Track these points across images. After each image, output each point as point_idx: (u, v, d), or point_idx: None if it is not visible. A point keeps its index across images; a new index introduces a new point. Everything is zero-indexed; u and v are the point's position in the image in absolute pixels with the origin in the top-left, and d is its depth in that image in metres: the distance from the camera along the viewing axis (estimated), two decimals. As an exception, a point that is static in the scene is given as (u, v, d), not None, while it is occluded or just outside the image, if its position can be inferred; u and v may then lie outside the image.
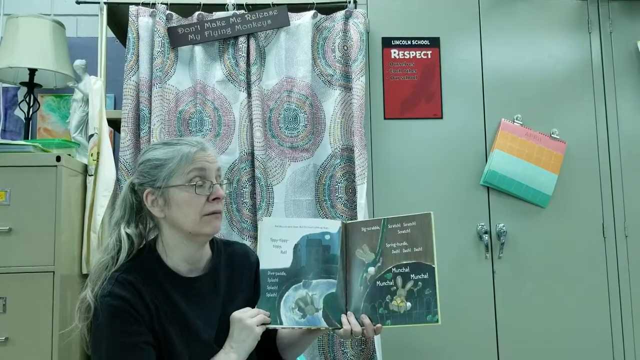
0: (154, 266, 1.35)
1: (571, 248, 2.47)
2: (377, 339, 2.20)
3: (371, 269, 1.47)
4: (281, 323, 1.43)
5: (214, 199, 1.36)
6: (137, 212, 1.40)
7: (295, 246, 1.50)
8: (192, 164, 1.34)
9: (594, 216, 2.50)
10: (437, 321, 1.38)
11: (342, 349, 2.24)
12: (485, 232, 2.44)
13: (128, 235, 1.35)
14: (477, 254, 2.45)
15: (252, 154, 2.32)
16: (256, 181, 2.29)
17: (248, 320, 1.36)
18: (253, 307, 1.45)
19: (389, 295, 1.43)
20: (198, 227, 1.34)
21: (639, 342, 2.43)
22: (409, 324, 1.41)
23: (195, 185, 1.33)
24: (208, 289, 1.41)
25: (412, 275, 1.42)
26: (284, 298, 1.45)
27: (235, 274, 1.48)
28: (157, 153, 1.36)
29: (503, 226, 2.44)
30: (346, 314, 1.44)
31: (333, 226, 1.53)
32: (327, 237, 1.51)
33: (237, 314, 1.38)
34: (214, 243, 1.49)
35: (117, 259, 1.33)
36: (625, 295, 2.45)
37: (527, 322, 2.42)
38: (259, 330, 1.36)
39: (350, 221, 1.59)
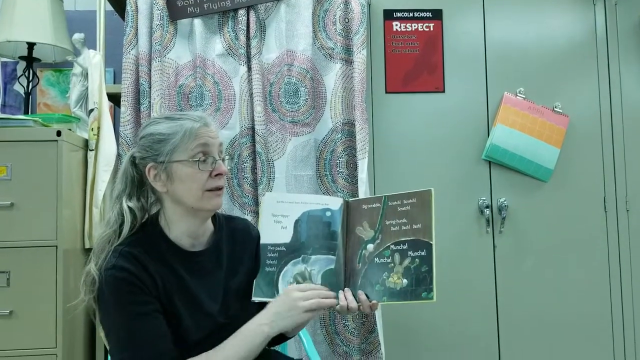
0: (157, 240, 1.36)
1: (572, 222, 2.47)
2: (377, 312, 2.22)
3: (370, 246, 1.46)
4: None
5: (216, 175, 1.36)
6: (138, 185, 1.40)
7: (296, 222, 1.49)
8: (196, 140, 1.34)
9: (595, 190, 2.49)
10: (432, 298, 1.36)
11: (344, 322, 2.26)
12: (487, 207, 2.44)
13: (130, 208, 1.34)
14: (478, 228, 2.46)
15: (252, 128, 2.31)
16: (257, 156, 2.28)
17: (299, 303, 1.30)
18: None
19: (386, 272, 1.41)
20: (200, 203, 1.35)
21: (638, 315, 2.45)
22: (405, 301, 1.39)
23: (198, 161, 1.33)
24: (211, 264, 1.41)
25: (410, 252, 1.40)
26: (282, 272, 1.45)
27: (236, 249, 1.49)
28: (159, 127, 1.36)
29: (504, 200, 2.44)
30: (343, 290, 1.44)
31: (335, 203, 1.52)
32: (328, 213, 1.50)
33: (294, 293, 1.32)
34: (216, 218, 1.49)
35: (120, 233, 1.33)
36: (625, 269, 2.46)
37: (528, 296, 2.44)
38: (306, 316, 1.30)
39: (352, 199, 1.59)
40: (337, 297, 1.42)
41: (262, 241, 1.49)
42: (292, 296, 1.31)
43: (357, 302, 1.41)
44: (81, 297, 1.31)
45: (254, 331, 1.31)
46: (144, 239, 1.34)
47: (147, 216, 1.42)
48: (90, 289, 1.29)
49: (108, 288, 1.25)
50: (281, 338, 1.56)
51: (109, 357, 1.61)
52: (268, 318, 1.31)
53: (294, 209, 1.51)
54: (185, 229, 1.38)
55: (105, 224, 1.36)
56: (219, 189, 1.38)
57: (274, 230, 1.49)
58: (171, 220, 1.37)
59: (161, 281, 1.30)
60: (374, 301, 1.40)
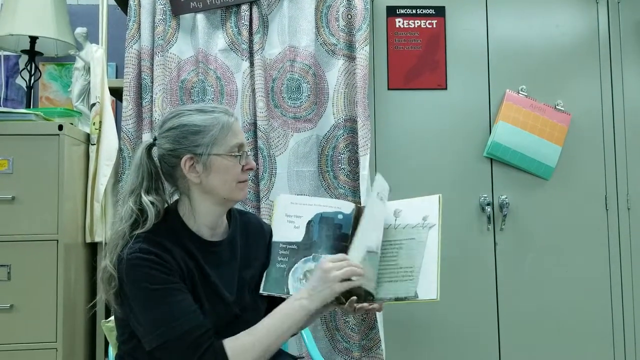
0: (178, 229, 1.37)
1: (573, 220, 2.47)
2: (378, 309, 2.22)
3: None
4: (288, 292, 1.45)
5: (247, 169, 1.41)
6: (155, 178, 1.40)
7: (309, 222, 1.54)
8: (232, 134, 1.38)
9: (596, 188, 2.49)
10: (416, 297, 1.38)
11: (344, 318, 2.26)
12: (488, 204, 2.44)
13: (152, 203, 1.34)
14: (479, 225, 2.46)
15: (254, 124, 2.30)
16: (259, 151, 2.28)
17: (332, 273, 1.32)
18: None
19: None
20: (233, 194, 1.39)
21: (639, 313, 2.45)
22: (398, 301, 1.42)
23: (239, 155, 1.38)
24: (227, 254, 1.44)
25: None
26: (292, 269, 1.49)
27: (250, 243, 1.51)
28: (193, 119, 1.37)
29: (506, 198, 2.44)
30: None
31: (347, 207, 1.55)
32: (340, 216, 1.54)
33: (325, 264, 1.34)
34: (230, 211, 1.52)
35: (136, 228, 1.32)
36: (626, 267, 2.46)
37: (528, 293, 2.44)
38: (339, 287, 1.32)
39: (364, 205, 1.61)
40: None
41: (274, 239, 1.54)
42: (325, 267, 1.33)
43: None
44: (99, 296, 1.31)
45: (294, 306, 1.33)
46: (165, 227, 1.35)
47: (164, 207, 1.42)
48: (108, 286, 1.29)
49: (134, 270, 1.25)
50: None
51: (110, 351, 1.62)
52: (306, 292, 1.33)
53: (307, 210, 1.56)
54: (209, 220, 1.41)
55: (118, 220, 1.35)
56: (246, 180, 1.43)
57: (286, 229, 1.54)
58: (197, 210, 1.39)
59: (185, 267, 1.32)
60: (374, 304, 1.42)
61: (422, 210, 1.49)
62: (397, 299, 1.41)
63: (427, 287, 1.38)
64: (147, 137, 2.24)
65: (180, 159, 1.35)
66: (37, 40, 2.52)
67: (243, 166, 1.40)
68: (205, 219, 1.40)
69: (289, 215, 1.56)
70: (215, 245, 1.41)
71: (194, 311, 1.27)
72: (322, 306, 1.43)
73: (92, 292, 2.23)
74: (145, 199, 1.34)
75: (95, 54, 2.31)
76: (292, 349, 2.13)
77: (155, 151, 1.40)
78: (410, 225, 1.48)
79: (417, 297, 1.39)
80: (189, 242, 1.36)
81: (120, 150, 2.28)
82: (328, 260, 1.35)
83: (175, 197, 1.44)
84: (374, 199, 1.48)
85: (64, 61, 2.80)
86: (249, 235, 1.52)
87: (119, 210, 1.37)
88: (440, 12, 2.51)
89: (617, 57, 2.54)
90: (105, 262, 1.30)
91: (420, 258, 1.43)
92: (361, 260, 1.37)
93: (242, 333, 1.31)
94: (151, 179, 1.38)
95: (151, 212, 1.32)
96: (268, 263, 1.52)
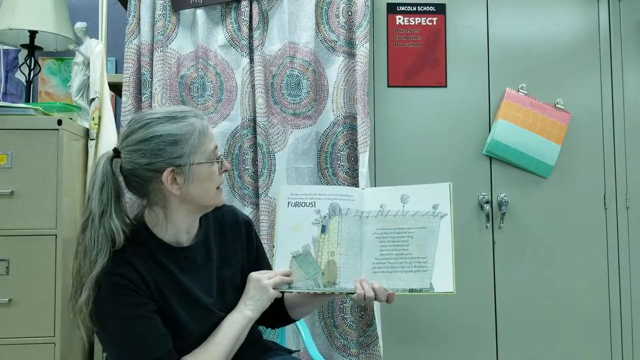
0: (146, 241, 1.33)
1: (572, 219, 2.47)
2: (377, 306, 2.22)
3: None
4: (297, 287, 1.46)
5: (224, 171, 1.39)
6: (120, 195, 1.30)
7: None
8: (210, 140, 1.34)
9: (595, 187, 2.49)
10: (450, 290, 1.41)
11: (342, 315, 2.26)
12: (487, 202, 2.44)
13: (122, 229, 1.25)
14: (477, 223, 2.46)
15: (254, 120, 2.30)
16: (258, 148, 2.28)
17: (264, 281, 1.41)
18: (249, 267, 1.50)
19: None
20: (214, 200, 1.37)
21: (636, 312, 2.46)
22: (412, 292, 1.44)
23: (220, 161, 1.36)
24: (201, 257, 1.41)
25: None
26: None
27: (226, 238, 1.49)
28: (168, 128, 1.28)
29: (504, 196, 2.44)
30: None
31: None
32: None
33: (255, 275, 1.44)
34: None
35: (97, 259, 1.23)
36: (624, 266, 2.47)
37: (526, 292, 2.44)
38: (274, 292, 1.41)
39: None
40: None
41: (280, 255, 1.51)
42: (255, 277, 1.43)
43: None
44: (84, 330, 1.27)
45: (238, 319, 1.38)
46: (133, 241, 1.30)
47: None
48: (88, 318, 1.25)
49: (101, 294, 1.23)
50: (286, 320, 1.59)
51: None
52: (246, 304, 1.41)
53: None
54: (184, 226, 1.37)
55: (82, 256, 1.25)
56: (221, 184, 1.41)
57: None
58: (173, 220, 1.34)
59: (152, 281, 1.29)
60: (390, 291, 1.42)
61: (432, 198, 1.50)
62: (411, 290, 1.43)
63: (443, 279, 1.42)
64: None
65: (158, 173, 1.27)
66: (37, 35, 2.52)
67: (220, 170, 1.37)
68: (181, 225, 1.36)
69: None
70: (187, 250, 1.38)
71: (157, 340, 1.26)
72: (325, 295, 1.48)
73: (91, 287, 2.23)
74: (117, 224, 1.25)
75: (95, 48, 2.31)
76: (290, 345, 2.13)
77: (116, 163, 1.29)
78: (420, 213, 1.49)
79: (433, 289, 1.42)
80: (158, 252, 1.32)
81: (119, 145, 2.28)
82: (256, 274, 1.44)
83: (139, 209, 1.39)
84: (284, 209, 1.51)
85: (63, 56, 2.80)
86: (225, 232, 1.49)
87: (86, 237, 1.25)
88: (440, 9, 2.51)
89: (618, 56, 2.54)
90: (81, 300, 1.22)
91: (433, 248, 1.44)
92: (289, 266, 1.47)
93: (197, 349, 1.33)
94: (117, 197, 1.28)
95: (120, 238, 1.24)
96: (247, 255, 1.52)
